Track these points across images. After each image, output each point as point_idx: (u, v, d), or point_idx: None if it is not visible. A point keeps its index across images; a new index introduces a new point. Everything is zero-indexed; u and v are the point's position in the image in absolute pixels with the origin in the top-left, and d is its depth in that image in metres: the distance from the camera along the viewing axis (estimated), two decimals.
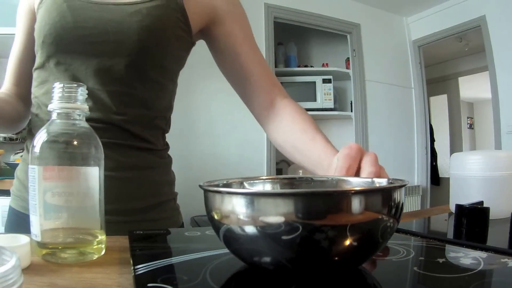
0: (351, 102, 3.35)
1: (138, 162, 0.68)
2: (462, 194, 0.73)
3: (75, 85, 0.43)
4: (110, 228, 0.62)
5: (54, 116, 0.43)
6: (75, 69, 0.64)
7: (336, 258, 0.32)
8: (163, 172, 0.74)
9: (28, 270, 0.37)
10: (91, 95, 0.63)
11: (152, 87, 0.69)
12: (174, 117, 0.79)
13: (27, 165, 0.68)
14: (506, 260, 0.38)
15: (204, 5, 0.72)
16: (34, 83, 0.70)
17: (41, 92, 0.68)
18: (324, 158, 0.61)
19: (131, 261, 0.37)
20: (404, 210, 0.36)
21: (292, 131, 0.70)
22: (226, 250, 0.37)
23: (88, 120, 0.62)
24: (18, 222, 0.70)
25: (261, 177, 0.49)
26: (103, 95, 0.64)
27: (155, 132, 0.72)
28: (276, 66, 3.12)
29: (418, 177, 3.64)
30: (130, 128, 0.66)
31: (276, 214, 0.30)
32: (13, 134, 2.16)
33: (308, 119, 0.70)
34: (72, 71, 0.64)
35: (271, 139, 0.77)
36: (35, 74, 0.70)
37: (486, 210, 0.61)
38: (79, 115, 0.43)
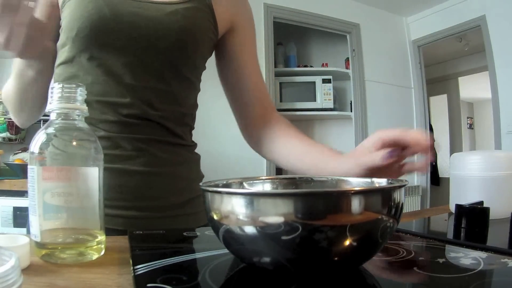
0: (351, 102, 3.35)
1: (174, 158, 0.70)
2: (462, 194, 0.73)
3: (74, 85, 0.43)
4: (147, 225, 0.63)
5: (53, 116, 0.42)
6: (111, 65, 0.64)
7: (336, 258, 0.32)
8: (195, 168, 0.77)
9: (28, 270, 0.37)
10: (130, 92, 0.64)
11: (185, 85, 0.71)
12: None
13: None
14: (506, 260, 0.38)
15: (230, 12, 0.75)
16: (59, 79, 0.68)
17: None
18: (335, 157, 0.65)
19: (131, 261, 0.37)
20: (404, 210, 0.36)
21: (294, 139, 0.74)
22: (225, 250, 0.37)
23: (127, 116, 0.64)
24: None
25: (260, 177, 0.49)
26: (142, 91, 0.65)
27: (185, 128, 0.73)
28: (275, 66, 3.12)
29: (418, 177, 3.64)
30: (166, 124, 0.67)
31: (275, 214, 0.30)
32: (13, 134, 2.16)
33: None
34: (107, 67, 0.64)
35: (263, 150, 0.79)
36: (59, 70, 0.68)
37: (486, 210, 0.61)
38: (78, 115, 0.43)
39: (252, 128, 0.80)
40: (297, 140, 0.74)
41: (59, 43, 0.68)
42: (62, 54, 0.67)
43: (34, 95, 0.70)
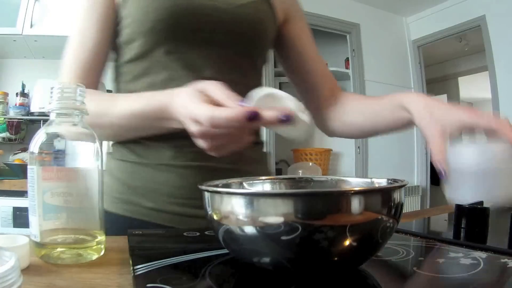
0: None
1: (254, 155, 0.71)
2: (457, 187, 0.73)
3: (74, 85, 0.43)
4: None
5: (53, 116, 0.42)
6: (190, 58, 0.63)
7: (336, 259, 0.32)
8: (269, 166, 0.79)
9: (27, 270, 0.37)
10: None
11: (258, 76, 0.73)
12: None
13: (123, 162, 0.67)
14: (506, 260, 0.38)
15: (284, 4, 0.77)
16: (127, 77, 0.67)
17: (143, 85, 0.65)
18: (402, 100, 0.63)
19: (131, 262, 0.37)
20: (404, 210, 0.36)
21: (363, 102, 0.75)
22: (225, 251, 0.37)
23: None
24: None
25: (260, 178, 0.49)
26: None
27: None
28: (275, 67, 3.12)
29: (418, 177, 3.64)
30: None
31: (275, 215, 0.30)
32: (12, 134, 2.16)
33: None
34: (186, 60, 0.63)
35: (337, 124, 0.79)
36: (126, 68, 0.66)
37: (486, 210, 0.61)
38: (78, 115, 0.43)
39: (324, 108, 0.80)
40: (368, 99, 0.75)
41: (123, 40, 0.65)
42: (130, 51, 0.65)
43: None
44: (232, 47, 0.66)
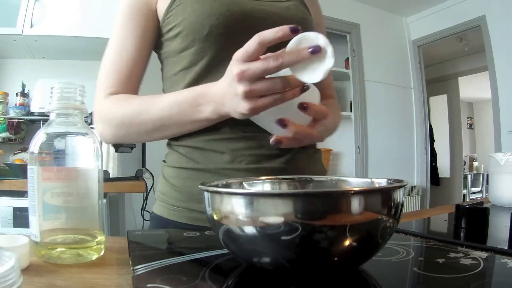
0: (351, 102, 3.35)
1: (310, 155, 0.72)
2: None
3: (75, 85, 0.43)
4: None
5: (53, 116, 0.42)
6: None
7: (336, 259, 0.32)
8: (323, 164, 0.79)
9: (27, 270, 0.37)
10: None
11: None
12: None
13: (180, 169, 0.67)
14: (506, 260, 0.38)
15: (314, 8, 0.78)
16: (178, 87, 0.66)
17: None
18: None
19: (130, 262, 0.37)
20: (404, 210, 0.36)
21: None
22: (225, 251, 0.37)
23: None
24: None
25: (260, 178, 0.49)
26: None
27: None
28: None
29: (418, 177, 3.64)
30: None
31: (275, 215, 0.30)
32: (12, 134, 2.16)
33: (337, 113, 0.75)
34: None
35: None
36: (179, 76, 0.67)
37: (486, 210, 0.61)
38: (78, 115, 0.43)
39: None
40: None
41: (175, 49, 0.66)
42: (183, 59, 0.65)
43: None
44: (281, 48, 0.66)
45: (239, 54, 0.48)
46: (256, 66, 0.47)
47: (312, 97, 0.56)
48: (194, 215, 0.64)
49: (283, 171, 0.65)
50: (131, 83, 0.68)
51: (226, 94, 0.52)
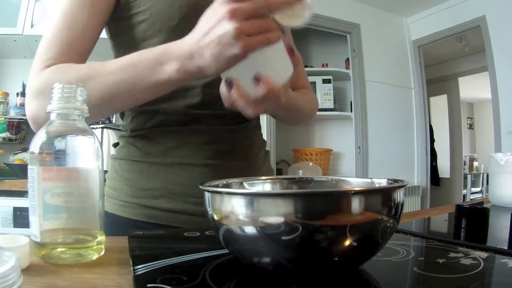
0: (351, 102, 3.35)
1: (263, 155, 0.75)
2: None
3: (75, 85, 0.43)
4: None
5: (53, 116, 0.42)
6: None
7: (336, 259, 0.32)
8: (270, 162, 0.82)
9: (28, 270, 0.37)
10: None
11: None
12: None
13: (132, 162, 0.65)
14: (506, 260, 0.38)
15: None
16: None
17: None
18: None
19: (131, 262, 0.37)
20: (404, 210, 0.36)
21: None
22: (226, 251, 0.37)
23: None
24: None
25: (260, 178, 0.49)
26: None
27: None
28: None
29: (418, 177, 3.64)
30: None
31: (275, 215, 0.30)
32: (13, 134, 2.16)
33: (309, 98, 0.77)
34: None
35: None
36: None
37: (486, 210, 0.61)
38: (79, 115, 0.43)
39: None
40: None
41: (137, 37, 0.62)
42: (146, 47, 0.58)
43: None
44: None
45: None
46: (247, 5, 0.46)
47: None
48: (148, 212, 0.63)
49: (240, 169, 0.65)
50: (74, 56, 0.59)
51: (202, 43, 0.47)
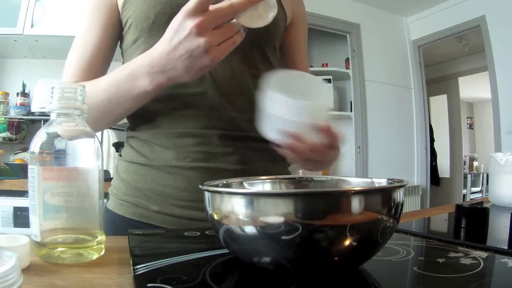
0: (351, 102, 3.35)
1: (264, 155, 0.71)
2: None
3: (75, 85, 0.43)
4: None
5: (53, 116, 0.42)
6: None
7: (336, 258, 0.32)
8: (283, 164, 0.79)
9: (28, 270, 0.37)
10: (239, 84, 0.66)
11: (270, 68, 0.72)
12: None
13: (130, 163, 0.67)
14: (506, 260, 0.38)
15: (291, 4, 0.77)
16: None
17: None
18: None
19: (131, 261, 0.37)
20: (404, 210, 0.36)
21: None
22: (226, 250, 0.37)
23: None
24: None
25: (260, 177, 0.49)
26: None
27: None
28: None
29: (418, 177, 3.64)
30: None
31: (275, 214, 0.30)
32: (13, 134, 2.16)
33: None
34: None
35: None
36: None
37: (486, 210, 0.61)
38: (79, 115, 0.43)
39: None
40: None
41: (129, 42, 0.67)
42: (136, 50, 0.65)
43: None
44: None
45: (191, 6, 0.47)
46: (212, 15, 0.46)
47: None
48: (140, 212, 0.64)
49: (237, 173, 0.63)
50: (94, 71, 0.67)
51: (172, 56, 0.50)
